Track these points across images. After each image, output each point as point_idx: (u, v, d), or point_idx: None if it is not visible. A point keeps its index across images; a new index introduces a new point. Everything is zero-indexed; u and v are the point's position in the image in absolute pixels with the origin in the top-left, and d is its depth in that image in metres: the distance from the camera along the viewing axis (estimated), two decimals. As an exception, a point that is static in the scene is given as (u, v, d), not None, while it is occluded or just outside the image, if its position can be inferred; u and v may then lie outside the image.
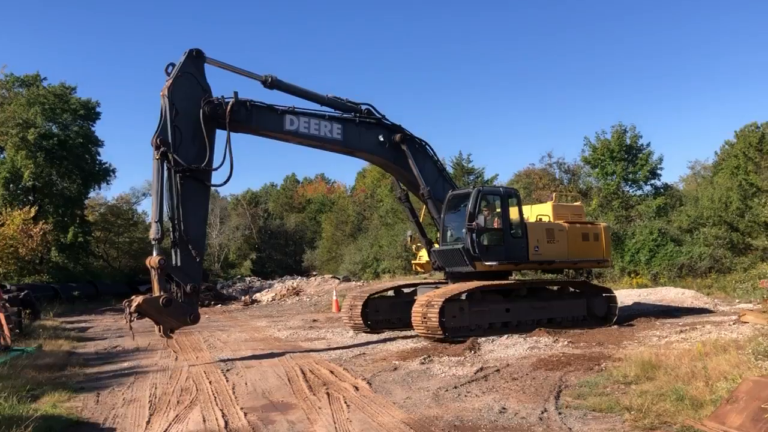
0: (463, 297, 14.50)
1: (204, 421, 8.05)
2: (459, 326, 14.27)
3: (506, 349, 12.86)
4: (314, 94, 14.77)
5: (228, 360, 12.77)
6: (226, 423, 7.89)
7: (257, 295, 33.85)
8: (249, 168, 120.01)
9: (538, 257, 15.97)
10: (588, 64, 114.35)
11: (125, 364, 12.95)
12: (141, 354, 14.45)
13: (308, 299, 30.06)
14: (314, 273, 47.27)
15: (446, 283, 16.44)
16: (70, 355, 14.38)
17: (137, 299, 12.10)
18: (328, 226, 53.50)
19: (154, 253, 12.20)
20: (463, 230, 15.06)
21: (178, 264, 12.51)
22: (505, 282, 16.12)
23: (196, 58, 13.18)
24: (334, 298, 25.31)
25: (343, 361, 12.29)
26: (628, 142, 35.02)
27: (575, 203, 20.51)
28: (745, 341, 12.14)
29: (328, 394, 9.25)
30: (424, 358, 11.83)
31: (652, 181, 35.60)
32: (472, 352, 12.54)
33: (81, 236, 41.16)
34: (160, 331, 12.53)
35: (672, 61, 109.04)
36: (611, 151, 34.89)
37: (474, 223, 14.81)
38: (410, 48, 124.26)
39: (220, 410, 8.52)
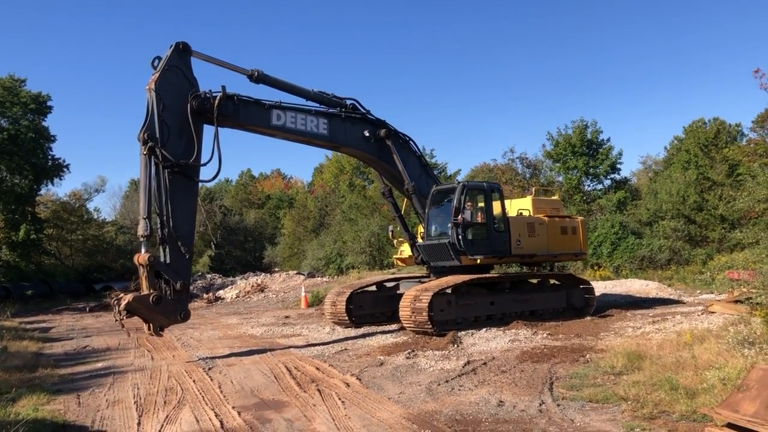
0: (450, 291, 14.61)
1: (197, 421, 7.85)
2: (446, 320, 14.37)
3: (488, 342, 12.93)
4: (300, 89, 14.64)
5: (207, 358, 12.50)
6: (222, 423, 7.71)
7: (221, 292, 33.29)
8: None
9: (519, 251, 16.18)
10: (548, 61, 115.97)
11: (99, 365, 12.56)
12: (114, 354, 14.05)
13: (274, 296, 29.71)
14: (276, 269, 46.76)
15: (428, 277, 16.59)
16: (39, 356, 13.88)
17: (126, 297, 11.82)
18: (289, 222, 52.96)
19: (143, 250, 11.97)
20: (449, 225, 15.14)
21: (167, 261, 12.23)
22: (491, 275, 16.35)
23: (182, 52, 12.85)
24: (303, 294, 25.07)
25: (326, 357, 12.17)
26: (589, 137, 35.67)
27: (553, 197, 20.80)
28: (719, 330, 12.49)
29: (319, 390, 9.14)
30: (409, 353, 11.80)
31: (612, 176, 36.40)
32: (455, 345, 12.57)
33: (33, 234, 39.79)
34: (149, 330, 12.24)
35: (623, 58, 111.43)
36: (573, 146, 35.49)
37: (460, 217, 14.91)
38: (375, 44, 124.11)
39: (212, 410, 8.33)
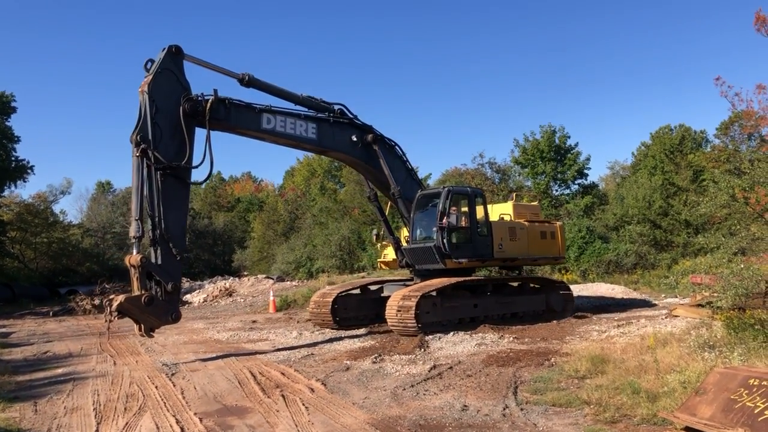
0: (435, 293, 14.87)
1: (158, 428, 7.70)
2: (432, 321, 14.70)
3: (454, 346, 12.94)
4: (289, 93, 14.86)
5: (171, 364, 12.30)
6: (182, 429, 7.58)
7: (188, 297, 32.83)
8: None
9: (501, 254, 16.67)
10: (518, 67, 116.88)
11: (60, 371, 12.27)
12: (75, 359, 13.74)
13: (242, 300, 29.43)
14: (245, 273, 46.35)
15: (411, 280, 16.92)
16: (-3, 363, 13.53)
17: (119, 298, 11.94)
18: (259, 225, 52.58)
19: (134, 251, 12.08)
20: (434, 229, 15.57)
21: (159, 262, 12.33)
22: (476, 278, 16.75)
23: (175, 55, 13.04)
24: (271, 298, 24.88)
25: (292, 362, 12.06)
26: (557, 142, 36.04)
27: (533, 203, 21.60)
28: (681, 334, 12.66)
29: (283, 396, 9.04)
30: (376, 357, 11.75)
31: (580, 181, 36.81)
32: (422, 350, 12.56)
33: (-5, 236, 38.96)
34: (140, 331, 12.36)
35: (593, 65, 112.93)
36: (541, 151, 35.82)
37: (446, 221, 15.27)
38: (347, 49, 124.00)
39: (173, 416, 8.18)
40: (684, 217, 29.51)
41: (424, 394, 8.91)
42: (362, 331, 16.15)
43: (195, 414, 8.29)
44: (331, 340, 14.63)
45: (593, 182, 39.46)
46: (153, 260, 12.31)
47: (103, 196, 69.12)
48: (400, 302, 14.31)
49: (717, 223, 29.83)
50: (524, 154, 36.47)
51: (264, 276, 37.27)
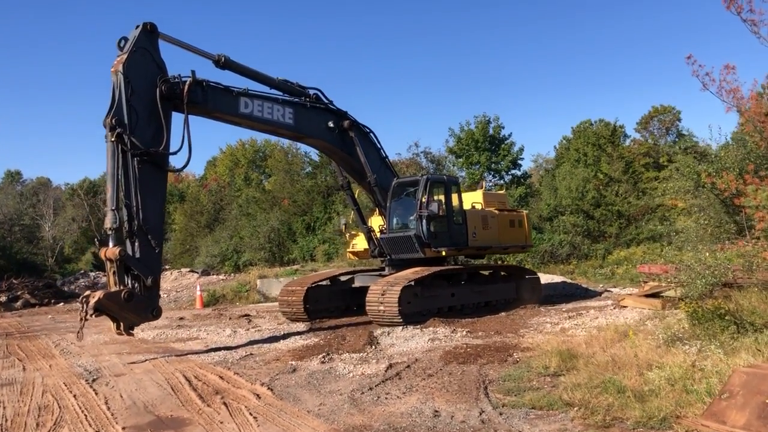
0: (415, 284, 14.42)
1: (78, 449, 6.48)
2: (414, 312, 14.37)
3: (406, 342, 12.09)
4: (265, 76, 14.35)
5: (91, 368, 10.88)
6: (109, 450, 6.39)
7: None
8: (86, 154, 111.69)
9: (475, 243, 16.62)
10: (452, 57, 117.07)
11: (-42, 379, 10.68)
12: (-24, 365, 12.08)
13: (165, 295, 27.58)
14: (167, 267, 44.15)
15: (383, 269, 16.68)
16: None
17: (96, 294, 11.03)
18: (181, 216, 50.26)
19: (111, 244, 11.24)
20: (412, 217, 15.48)
21: (137, 255, 11.48)
22: (454, 267, 16.64)
23: (150, 33, 12.09)
24: (198, 293, 23.42)
25: (230, 363, 10.89)
26: (492, 132, 35.80)
27: (499, 191, 21.63)
28: (637, 325, 12.29)
29: (225, 404, 7.92)
30: (324, 357, 10.72)
31: (513, 171, 36.74)
32: (372, 347, 11.65)
33: None
34: (119, 329, 11.36)
35: (518, 58, 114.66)
36: (476, 141, 35.49)
37: (427, 210, 15.07)
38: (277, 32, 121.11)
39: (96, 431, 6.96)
40: (617, 208, 29.75)
41: (386, 398, 7.98)
42: (302, 327, 15.11)
43: (123, 428, 7.10)
44: (270, 339, 13.49)
45: (526, 173, 39.46)
46: (130, 253, 11.39)
47: (12, 186, 65.03)
48: (382, 293, 13.95)
49: (648, 213, 30.39)
50: (459, 143, 36.07)
51: (188, 270, 35.40)
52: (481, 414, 7.04)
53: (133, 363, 11.26)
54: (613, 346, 10.10)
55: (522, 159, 36.54)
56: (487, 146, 35.43)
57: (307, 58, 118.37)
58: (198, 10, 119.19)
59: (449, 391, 8.17)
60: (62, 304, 28.04)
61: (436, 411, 7.24)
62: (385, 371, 9.51)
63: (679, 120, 56.34)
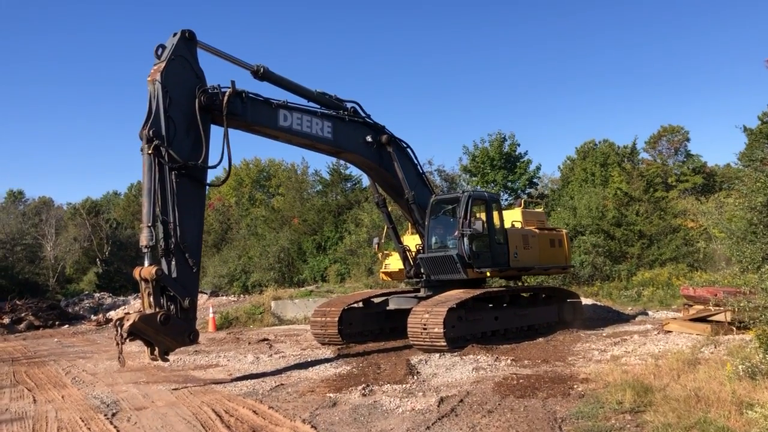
0: (459, 306, 13.54)
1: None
2: (458, 336, 13.54)
3: (449, 371, 11.14)
4: (303, 89, 13.73)
5: (109, 401, 9.92)
6: (144, 506, 5.46)
7: (111, 314, 29.78)
8: (88, 174, 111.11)
9: (517, 264, 15.82)
10: (466, 74, 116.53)
11: (-38, 413, 9.74)
12: (-18, 396, 11.14)
13: (174, 317, 26.73)
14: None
15: (418, 291, 15.80)
16: None
17: (131, 317, 10.23)
18: (186, 236, 49.51)
19: (146, 263, 10.55)
20: (454, 236, 14.75)
21: (174, 275, 10.77)
22: (496, 289, 15.87)
23: (188, 41, 11.58)
24: (211, 315, 22.48)
25: (260, 395, 9.95)
26: (507, 149, 35.03)
27: (538, 209, 20.54)
28: (691, 352, 11.40)
29: (267, 446, 7.01)
30: (364, 388, 9.78)
31: (529, 190, 35.88)
32: (413, 377, 10.70)
33: None
34: (153, 353, 10.67)
35: (524, 79, 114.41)
36: (491, 159, 34.72)
37: (471, 228, 14.30)
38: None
39: (126, 483, 6.03)
40: (639, 228, 28.87)
41: (449, 440, 7.06)
42: (329, 353, 14.19)
43: (155, 478, 6.17)
44: (298, 367, 12.55)
45: (543, 193, 38.65)
46: (167, 272, 10.69)
47: (14, 205, 64.27)
48: (425, 317, 13.10)
49: (670, 233, 29.48)
50: (473, 161, 35.27)
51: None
52: (569, 461, 6.12)
53: (153, 393, 10.31)
54: (684, 376, 9.21)
55: (539, 177, 35.73)
56: (503, 164, 34.65)
57: (318, 74, 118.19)
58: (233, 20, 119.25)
59: (519, 432, 7.24)
60: (67, 326, 27.09)
61: (515, 457, 6.31)
62: (438, 406, 8.57)
63: (688, 140, 55.89)
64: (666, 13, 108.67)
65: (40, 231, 58.16)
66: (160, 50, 11.34)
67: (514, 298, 16.14)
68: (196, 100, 11.47)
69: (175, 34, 11.51)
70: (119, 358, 10.49)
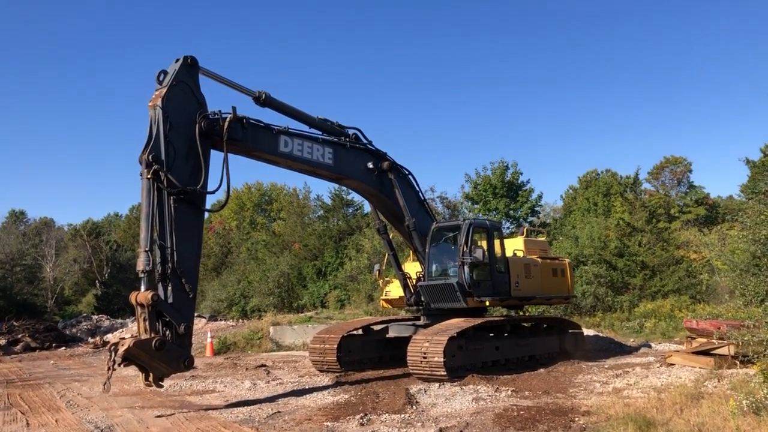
0: (456, 335, 13.32)
1: None
2: (458, 366, 13.34)
3: (448, 401, 10.97)
4: (304, 115, 13.78)
5: (103, 426, 9.78)
6: None
7: (109, 336, 29.60)
8: (90, 196, 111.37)
9: (518, 293, 15.63)
10: (465, 106, 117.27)
11: (-47, 436, 9.60)
12: (-27, 419, 10.98)
13: (172, 340, 26.53)
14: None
15: (418, 319, 15.65)
16: None
17: (126, 342, 10.19)
18: (187, 259, 49.43)
19: (143, 288, 10.49)
20: (453, 264, 14.71)
21: (170, 300, 10.69)
22: (497, 318, 15.69)
23: (190, 67, 11.64)
24: (209, 340, 22.31)
25: (257, 422, 9.78)
26: (509, 178, 35.07)
27: (541, 238, 20.40)
28: (694, 386, 11.26)
29: (262, 476, 6.86)
30: (362, 418, 9.62)
31: (531, 219, 35.85)
32: (412, 406, 10.54)
33: None
34: (147, 380, 10.56)
35: (526, 109, 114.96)
36: (494, 187, 34.76)
37: (472, 256, 14.18)
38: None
39: None
40: (641, 259, 28.73)
41: (448, 473, 6.92)
42: (327, 380, 14.01)
43: (147, 507, 6.02)
44: (295, 394, 12.39)
45: (544, 222, 38.58)
46: (162, 298, 10.62)
47: (15, 225, 64.32)
48: (425, 345, 12.95)
49: (673, 265, 29.32)
50: (476, 189, 35.31)
51: (195, 314, 34.26)
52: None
53: (148, 419, 10.15)
54: (687, 411, 9.07)
55: (541, 206, 35.73)
56: (505, 192, 34.65)
57: (319, 101, 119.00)
58: (234, 46, 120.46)
59: (520, 466, 7.09)
60: (64, 348, 26.93)
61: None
62: (439, 438, 8.43)
63: (690, 171, 55.94)
64: (670, 45, 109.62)
65: (40, 252, 58.16)
66: (162, 76, 11.38)
67: (516, 327, 15.94)
68: (197, 126, 11.50)
69: (177, 60, 11.53)
70: (105, 383, 10.36)
